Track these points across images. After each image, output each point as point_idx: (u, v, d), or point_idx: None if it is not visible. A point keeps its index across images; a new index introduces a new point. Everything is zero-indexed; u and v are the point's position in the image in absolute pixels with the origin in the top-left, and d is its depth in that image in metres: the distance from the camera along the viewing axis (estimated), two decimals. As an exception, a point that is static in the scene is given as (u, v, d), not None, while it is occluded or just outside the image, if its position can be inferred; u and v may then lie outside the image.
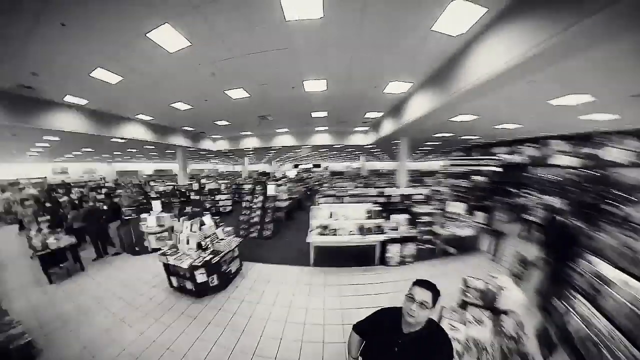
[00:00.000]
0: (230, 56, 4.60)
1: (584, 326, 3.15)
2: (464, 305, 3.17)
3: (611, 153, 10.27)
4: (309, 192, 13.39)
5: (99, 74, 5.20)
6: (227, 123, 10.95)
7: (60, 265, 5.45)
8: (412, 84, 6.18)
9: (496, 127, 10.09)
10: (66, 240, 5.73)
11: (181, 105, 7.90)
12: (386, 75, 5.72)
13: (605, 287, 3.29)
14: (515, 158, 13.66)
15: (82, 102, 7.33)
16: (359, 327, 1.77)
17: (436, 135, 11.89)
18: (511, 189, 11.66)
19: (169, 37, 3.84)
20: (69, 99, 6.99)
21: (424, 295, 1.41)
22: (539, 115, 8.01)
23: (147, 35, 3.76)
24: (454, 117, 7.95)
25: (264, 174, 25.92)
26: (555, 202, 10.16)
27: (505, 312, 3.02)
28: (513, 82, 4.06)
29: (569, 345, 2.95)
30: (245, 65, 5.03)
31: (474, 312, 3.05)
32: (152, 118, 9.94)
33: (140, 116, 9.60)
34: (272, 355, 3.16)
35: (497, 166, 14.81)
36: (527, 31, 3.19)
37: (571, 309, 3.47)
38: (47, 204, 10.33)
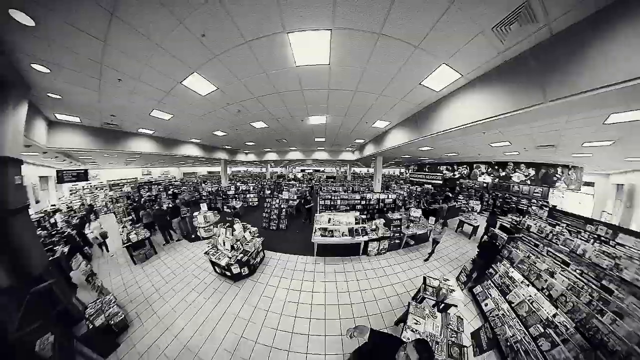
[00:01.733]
0: (251, 96, 4.20)
1: (494, 307, 3.40)
2: (422, 299, 3.15)
3: (514, 174, 10.42)
4: (310, 192, 13.25)
5: (156, 113, 5.05)
6: (253, 143, 10.76)
7: (141, 251, 5.49)
8: (393, 122, 5.95)
9: (445, 154, 10.00)
10: (143, 234, 5.73)
11: (219, 133, 7.74)
12: (376, 114, 5.37)
13: (512, 285, 3.53)
14: (453, 174, 13.78)
15: (150, 132, 7.19)
16: (373, 337, 1.62)
17: (403, 156, 11.77)
18: (449, 194, 11.73)
19: (199, 84, 3.55)
20: (141, 130, 6.86)
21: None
22: (478, 150, 7.94)
23: (182, 83, 3.51)
24: (423, 147, 7.79)
25: (281, 175, 25.71)
26: (477, 204, 10.27)
27: (450, 306, 3.01)
28: (472, 134, 4.00)
29: (496, 347, 2.92)
30: (264, 104, 4.66)
31: (430, 304, 3.03)
32: (200, 140, 9.74)
33: (193, 140, 9.41)
34: (289, 329, 3.20)
35: (440, 178, 14.89)
36: (491, 101, 2.88)
37: (488, 294, 3.69)
38: (135, 200, 10.39)
